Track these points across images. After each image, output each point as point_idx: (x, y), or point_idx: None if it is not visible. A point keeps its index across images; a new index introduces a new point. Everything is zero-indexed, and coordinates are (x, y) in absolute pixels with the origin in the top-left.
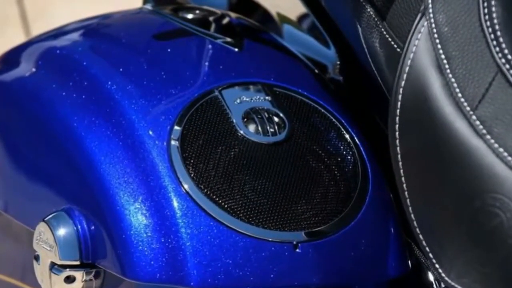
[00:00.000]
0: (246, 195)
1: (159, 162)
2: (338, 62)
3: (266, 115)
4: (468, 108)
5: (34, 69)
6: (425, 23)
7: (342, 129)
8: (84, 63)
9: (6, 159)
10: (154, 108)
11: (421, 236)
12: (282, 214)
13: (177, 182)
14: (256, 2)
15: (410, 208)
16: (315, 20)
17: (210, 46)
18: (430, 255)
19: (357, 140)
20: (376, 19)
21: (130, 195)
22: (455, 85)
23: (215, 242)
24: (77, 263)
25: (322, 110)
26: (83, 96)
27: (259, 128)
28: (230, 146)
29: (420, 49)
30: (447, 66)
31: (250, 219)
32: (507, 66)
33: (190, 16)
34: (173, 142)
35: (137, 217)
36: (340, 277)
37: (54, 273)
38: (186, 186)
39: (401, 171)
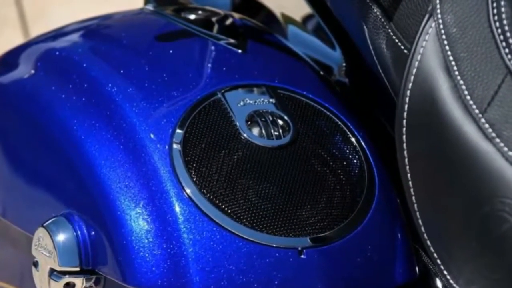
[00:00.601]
0: (250, 200)
1: (161, 166)
2: (344, 64)
3: (270, 118)
4: (477, 111)
5: (33, 71)
6: (433, 24)
7: (348, 132)
8: (84, 65)
9: (5, 162)
10: (155, 111)
11: (428, 242)
12: (286, 220)
13: (179, 187)
14: (260, 3)
15: (417, 213)
16: (320, 21)
17: (212, 47)
18: (438, 261)
19: (363, 144)
20: (382, 19)
21: (131, 199)
22: (463, 87)
23: (218, 248)
24: (77, 269)
25: (328, 113)
26: (83, 99)
27: (263, 131)
28: (233, 150)
29: (428, 51)
30: (455, 68)
31: (254, 225)
32: None
33: (192, 16)
34: (175, 146)
35: (138, 222)
36: (346, 284)
37: (53, 280)
38: (188, 191)
39: (409, 175)
